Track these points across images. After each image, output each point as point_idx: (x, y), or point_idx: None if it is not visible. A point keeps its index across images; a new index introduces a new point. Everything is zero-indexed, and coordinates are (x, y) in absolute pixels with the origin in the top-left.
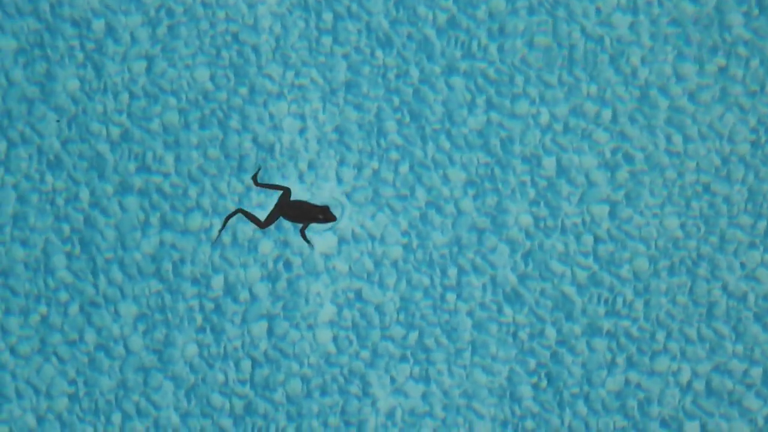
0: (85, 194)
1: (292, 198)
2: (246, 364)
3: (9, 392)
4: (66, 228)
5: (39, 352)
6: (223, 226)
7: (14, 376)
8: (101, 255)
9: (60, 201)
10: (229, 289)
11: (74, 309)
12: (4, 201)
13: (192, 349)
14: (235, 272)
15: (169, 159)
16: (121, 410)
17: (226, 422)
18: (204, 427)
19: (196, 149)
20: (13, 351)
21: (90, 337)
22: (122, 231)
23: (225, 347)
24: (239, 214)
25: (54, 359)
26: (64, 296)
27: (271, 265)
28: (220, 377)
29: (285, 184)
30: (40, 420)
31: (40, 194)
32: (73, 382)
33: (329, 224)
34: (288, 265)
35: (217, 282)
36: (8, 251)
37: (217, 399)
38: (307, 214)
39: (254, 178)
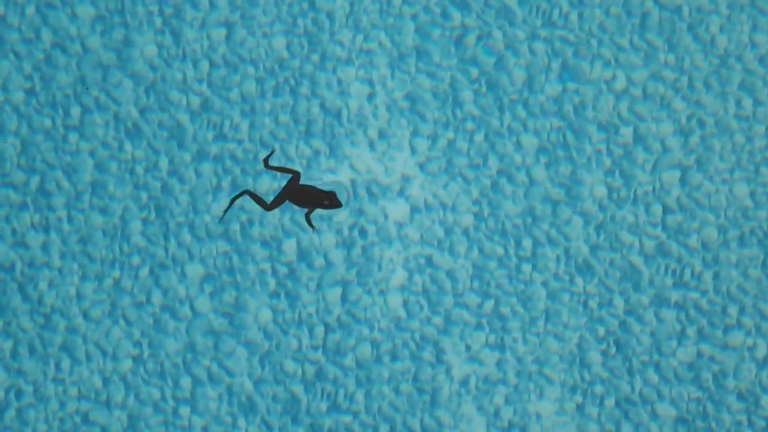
0: (164, 163)
1: (301, 182)
2: (319, 330)
3: (79, 355)
4: (144, 195)
5: (108, 315)
6: (229, 206)
7: (85, 339)
8: (173, 219)
9: (139, 169)
10: (303, 255)
11: (144, 272)
12: (82, 168)
13: (266, 315)
14: (309, 238)
15: (244, 126)
16: (191, 375)
17: (298, 388)
18: (276, 393)
19: (269, 115)
20: (85, 315)
21: (157, 298)
22: (195, 196)
23: (300, 313)
24: (245, 195)
25: (122, 322)
26: (136, 260)
27: (345, 231)
28: (294, 343)
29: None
30: (106, 381)
31: (119, 162)
32: (138, 344)
33: (334, 210)
34: (362, 232)
35: (290, 246)
36: (87, 218)
37: (289, 365)
38: (313, 199)
39: (266, 160)
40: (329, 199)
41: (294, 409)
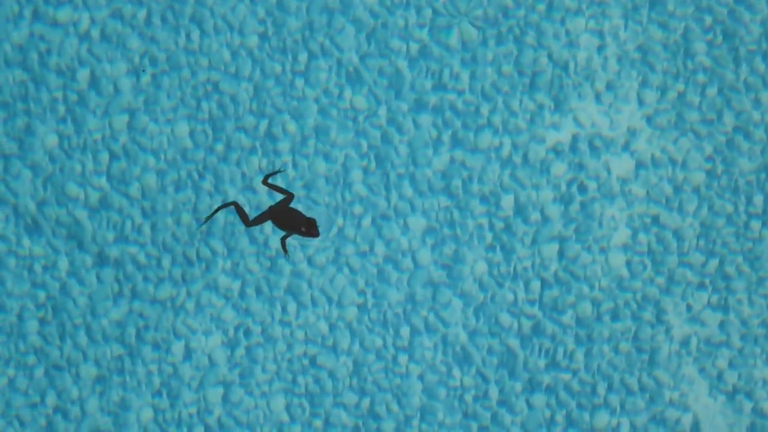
0: (383, 111)
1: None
2: (535, 285)
3: (305, 300)
4: (364, 144)
5: (332, 262)
6: (212, 214)
7: (310, 285)
8: (394, 171)
9: (360, 118)
10: (520, 209)
11: (366, 222)
12: (307, 114)
13: (481, 267)
14: (527, 193)
15: (465, 76)
16: (410, 324)
17: (513, 342)
18: (491, 346)
19: (491, 65)
20: (310, 261)
21: (380, 249)
22: (414, 148)
23: (515, 266)
24: (228, 208)
25: (346, 270)
26: (358, 209)
27: (564, 187)
28: (509, 296)
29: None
30: (332, 327)
31: (339, 110)
32: (362, 293)
33: (309, 239)
34: (582, 188)
35: (507, 201)
36: (311, 165)
37: (505, 318)
38: (293, 223)
39: (267, 176)
40: (307, 226)
41: (510, 363)
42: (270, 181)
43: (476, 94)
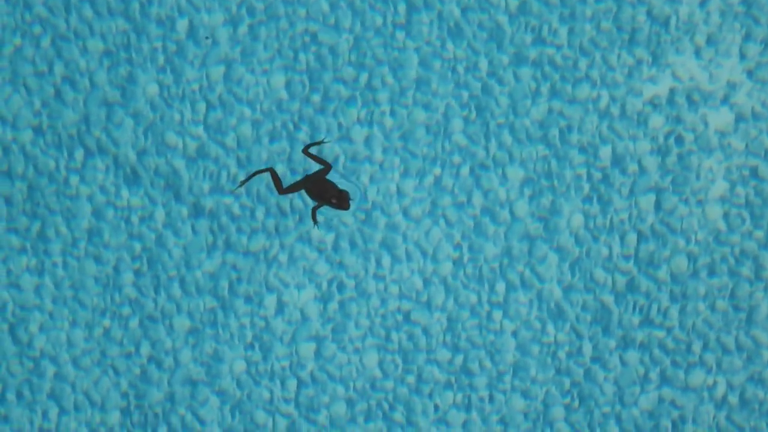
0: (484, 64)
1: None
2: (631, 238)
3: (400, 253)
4: (465, 94)
5: (428, 215)
6: (249, 177)
7: (405, 238)
8: (494, 120)
9: (460, 68)
10: (617, 160)
11: (464, 170)
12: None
13: (577, 219)
14: (624, 144)
15: (563, 32)
16: (505, 280)
17: (608, 299)
18: (586, 302)
19: (590, 22)
20: (405, 213)
21: (477, 200)
22: (515, 99)
23: (611, 219)
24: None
25: (442, 222)
26: (456, 159)
27: (661, 139)
28: (604, 251)
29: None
30: (426, 282)
31: (442, 60)
32: (458, 247)
33: (339, 211)
34: (679, 140)
35: (605, 152)
36: (410, 114)
37: (599, 274)
38: (325, 194)
39: (308, 146)
40: (338, 198)
41: (604, 320)
42: (310, 150)
43: (574, 49)
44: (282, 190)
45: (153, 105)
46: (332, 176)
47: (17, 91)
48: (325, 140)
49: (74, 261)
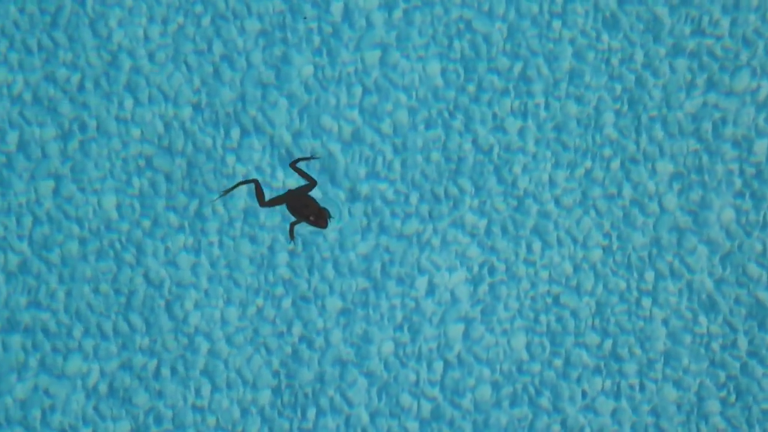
0: (639, 55)
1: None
2: None
3: (551, 240)
4: (618, 87)
5: (579, 204)
6: (232, 188)
7: (556, 226)
8: (646, 113)
9: (614, 60)
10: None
11: (615, 164)
12: (562, 56)
13: (728, 214)
14: None
15: (725, 22)
16: (654, 269)
17: (763, 295)
18: (739, 296)
19: (755, 12)
20: (557, 202)
21: (627, 192)
22: (668, 91)
23: (764, 215)
24: (244, 185)
25: (592, 212)
26: (607, 152)
27: None
28: (758, 246)
29: None
30: (576, 268)
31: (596, 52)
32: (607, 235)
33: (317, 228)
34: None
35: (760, 146)
36: (562, 107)
37: (752, 269)
38: (304, 209)
39: (296, 160)
40: (315, 216)
41: (761, 315)
42: (299, 166)
43: (736, 39)
44: (263, 202)
45: (307, 87)
46: (315, 194)
47: (178, 69)
48: (315, 156)
49: (230, 240)
